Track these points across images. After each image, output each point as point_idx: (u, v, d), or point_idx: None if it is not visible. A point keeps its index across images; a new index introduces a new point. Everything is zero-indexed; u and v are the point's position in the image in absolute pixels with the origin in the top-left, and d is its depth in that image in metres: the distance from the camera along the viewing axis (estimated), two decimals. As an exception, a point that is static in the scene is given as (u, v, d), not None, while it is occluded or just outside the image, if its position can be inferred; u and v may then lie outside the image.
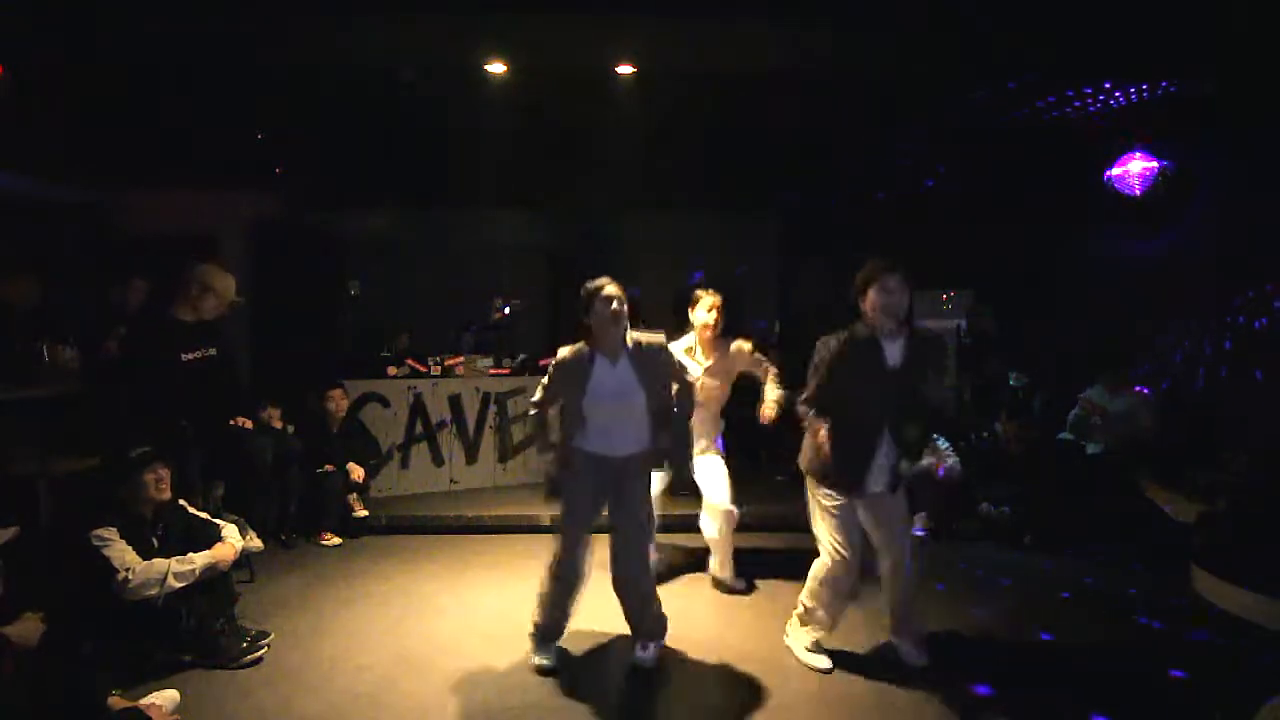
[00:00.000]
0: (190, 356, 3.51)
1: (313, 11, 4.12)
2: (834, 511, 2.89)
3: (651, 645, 3.04)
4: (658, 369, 2.96)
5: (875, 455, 2.84)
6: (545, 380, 3.00)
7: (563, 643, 3.14)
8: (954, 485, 4.65)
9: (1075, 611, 3.65)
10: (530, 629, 3.08)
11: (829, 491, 2.89)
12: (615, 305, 2.86)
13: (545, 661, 3.00)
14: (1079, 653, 3.19)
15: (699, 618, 3.50)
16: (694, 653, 3.14)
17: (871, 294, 2.77)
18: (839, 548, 2.89)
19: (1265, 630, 3.30)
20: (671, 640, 3.15)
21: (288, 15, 4.16)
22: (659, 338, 3.02)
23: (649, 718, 2.75)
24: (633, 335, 2.95)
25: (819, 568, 2.99)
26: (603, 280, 2.91)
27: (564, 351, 2.96)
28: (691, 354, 3.68)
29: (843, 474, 2.84)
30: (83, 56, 4.42)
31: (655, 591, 3.09)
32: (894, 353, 2.78)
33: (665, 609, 3.09)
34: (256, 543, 3.50)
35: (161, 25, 4.15)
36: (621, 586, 3.01)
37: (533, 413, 3.09)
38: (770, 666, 3.00)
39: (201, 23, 4.15)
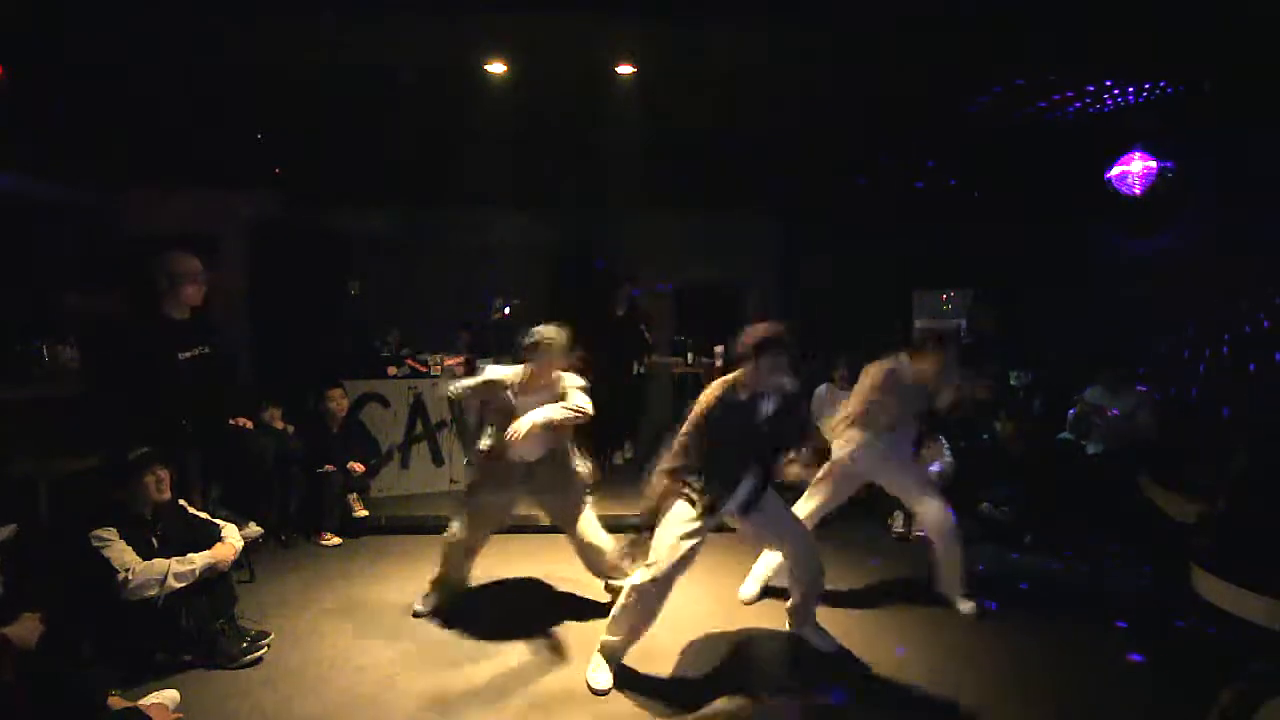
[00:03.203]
0: (187, 355, 3.51)
1: (313, 11, 4.12)
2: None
3: None
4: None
5: None
6: (475, 381, 3.44)
7: (560, 648, 3.16)
8: (953, 485, 4.64)
9: (1075, 612, 3.65)
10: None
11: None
12: (538, 355, 3.26)
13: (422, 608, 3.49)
14: (1078, 653, 3.19)
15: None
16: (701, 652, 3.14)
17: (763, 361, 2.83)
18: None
19: (1265, 630, 3.30)
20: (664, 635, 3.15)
21: (288, 15, 4.16)
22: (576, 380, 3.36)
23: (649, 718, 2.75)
24: (557, 374, 3.30)
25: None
26: (539, 329, 3.28)
27: (497, 372, 3.38)
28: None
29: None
30: (82, 55, 4.42)
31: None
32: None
33: None
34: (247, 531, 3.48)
35: (161, 24, 4.15)
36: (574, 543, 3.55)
37: (456, 396, 3.48)
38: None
39: (202, 22, 4.15)
